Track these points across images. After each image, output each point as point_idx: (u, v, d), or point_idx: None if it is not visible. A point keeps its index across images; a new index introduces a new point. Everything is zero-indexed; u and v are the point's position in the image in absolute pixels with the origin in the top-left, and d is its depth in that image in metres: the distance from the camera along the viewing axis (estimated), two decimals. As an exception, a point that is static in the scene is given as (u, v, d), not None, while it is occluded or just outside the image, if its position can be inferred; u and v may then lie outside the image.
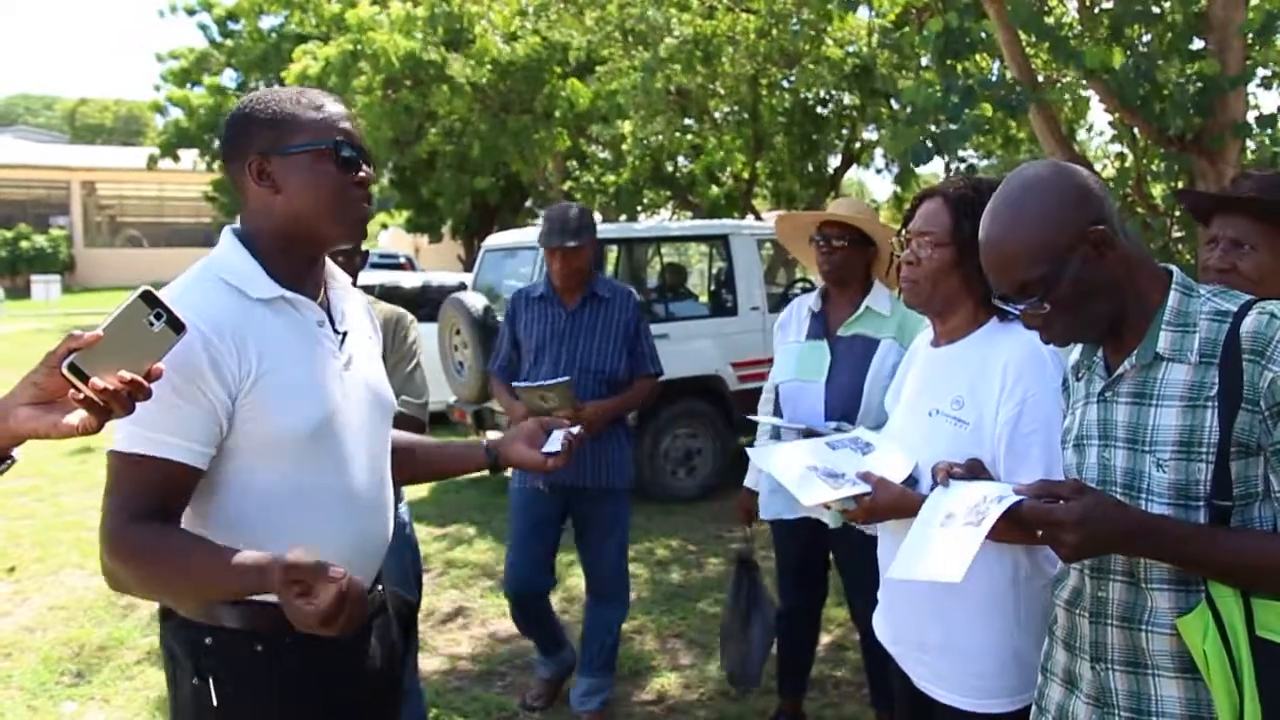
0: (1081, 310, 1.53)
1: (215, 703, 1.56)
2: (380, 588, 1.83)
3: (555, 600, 5.09)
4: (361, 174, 1.65)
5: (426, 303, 9.08)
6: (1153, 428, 1.50)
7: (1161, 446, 1.48)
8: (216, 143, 20.79)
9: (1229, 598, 1.41)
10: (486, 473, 2.10)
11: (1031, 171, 1.58)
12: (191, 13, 22.21)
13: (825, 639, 4.54)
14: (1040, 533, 1.43)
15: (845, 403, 3.02)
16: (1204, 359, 1.47)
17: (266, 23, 21.66)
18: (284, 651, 1.59)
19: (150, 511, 1.48)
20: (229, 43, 22.10)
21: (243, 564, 1.41)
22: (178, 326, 1.35)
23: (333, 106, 1.64)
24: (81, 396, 1.26)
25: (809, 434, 2.64)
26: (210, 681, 1.56)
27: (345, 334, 1.73)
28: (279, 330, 1.59)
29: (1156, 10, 5.19)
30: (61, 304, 23.61)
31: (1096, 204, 1.53)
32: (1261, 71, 5.81)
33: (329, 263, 1.77)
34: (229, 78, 22.41)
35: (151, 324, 1.33)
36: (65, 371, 1.26)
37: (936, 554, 1.54)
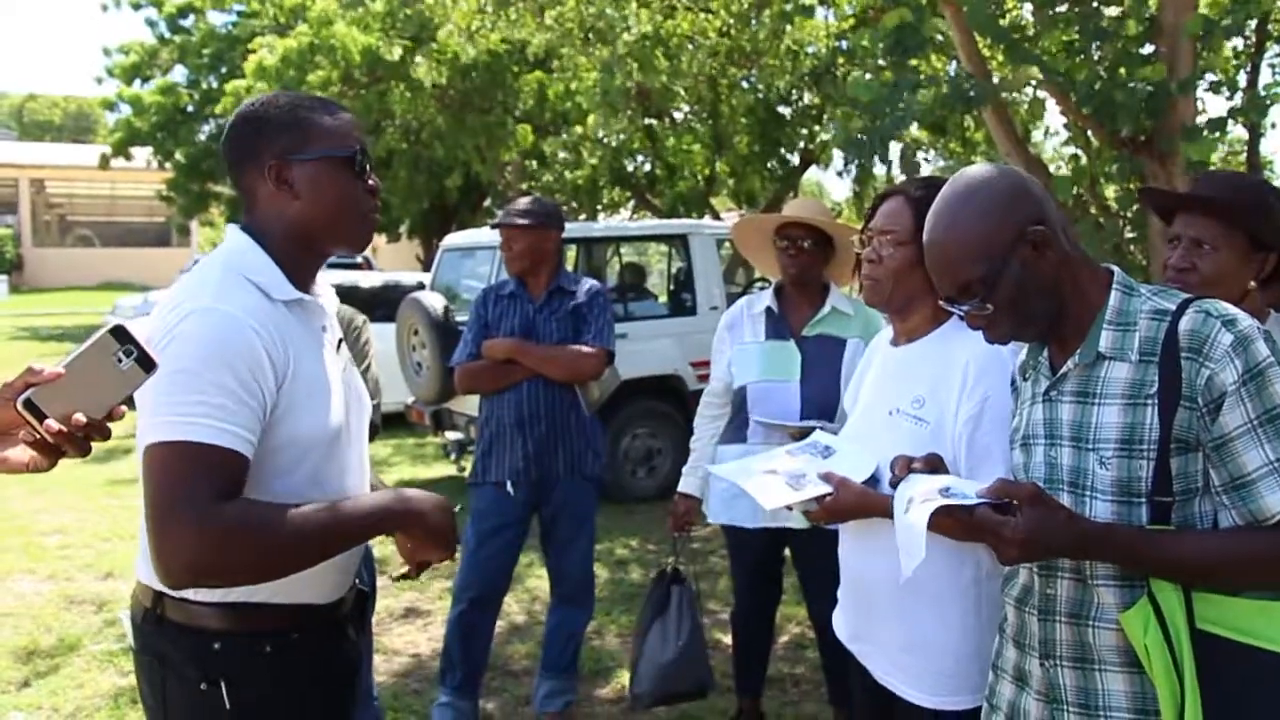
0: (1023, 310, 1.56)
1: (228, 705, 1.58)
2: (357, 582, 1.85)
3: (516, 601, 5.07)
4: (373, 182, 1.70)
5: (386, 303, 9.00)
6: (1096, 426, 1.52)
7: (1104, 444, 1.51)
8: (170, 142, 20.49)
9: (1169, 592, 1.44)
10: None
11: (972, 173, 1.60)
12: (137, 7, 21.74)
13: (783, 638, 4.56)
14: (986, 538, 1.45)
15: (823, 402, 3.03)
16: (1144, 357, 1.50)
17: (218, 19, 21.33)
18: (290, 649, 1.63)
19: (225, 497, 1.44)
20: (178, 39, 21.71)
21: (381, 505, 1.62)
22: (148, 365, 1.29)
23: (345, 114, 1.69)
24: (34, 438, 1.23)
25: (800, 435, 2.62)
26: (223, 685, 1.57)
27: (341, 339, 1.77)
28: (299, 332, 1.62)
29: (1113, 13, 5.27)
30: (9, 304, 23.13)
31: (1035, 204, 1.55)
32: (1210, 77, 5.93)
33: None
34: (179, 74, 22.00)
35: (120, 360, 1.27)
36: (20, 408, 1.22)
37: (902, 544, 1.54)
